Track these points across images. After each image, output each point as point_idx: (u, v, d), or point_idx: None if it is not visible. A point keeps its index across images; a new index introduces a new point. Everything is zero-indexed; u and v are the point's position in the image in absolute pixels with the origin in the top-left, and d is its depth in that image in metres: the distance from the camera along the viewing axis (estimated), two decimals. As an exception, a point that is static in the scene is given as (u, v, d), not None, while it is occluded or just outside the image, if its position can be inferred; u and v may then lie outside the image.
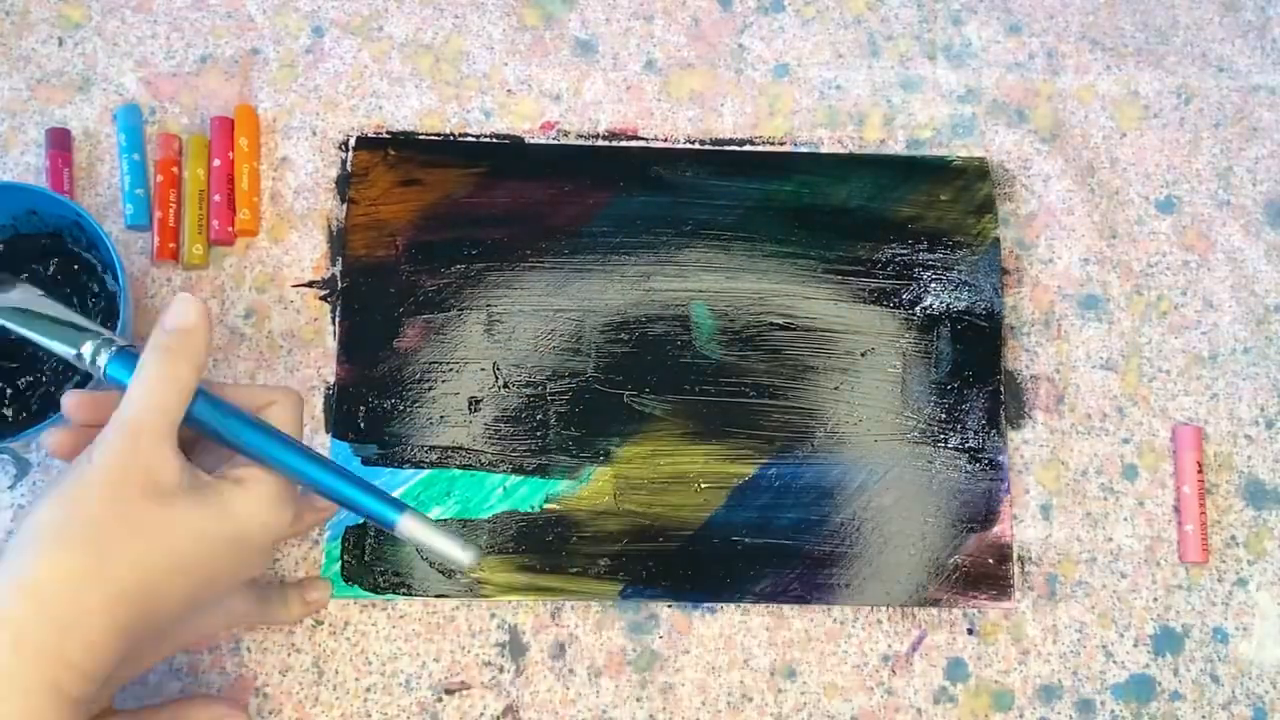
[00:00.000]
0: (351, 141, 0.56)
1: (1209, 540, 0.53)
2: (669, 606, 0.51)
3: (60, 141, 0.54)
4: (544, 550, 0.51)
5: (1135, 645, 0.52)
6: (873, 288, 0.55)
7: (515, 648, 0.51)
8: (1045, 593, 0.52)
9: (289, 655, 0.50)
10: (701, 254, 0.55)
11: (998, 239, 0.56)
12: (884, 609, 0.52)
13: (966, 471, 0.53)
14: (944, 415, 0.54)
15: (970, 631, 0.52)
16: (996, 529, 0.53)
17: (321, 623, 0.50)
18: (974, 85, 0.59)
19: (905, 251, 0.56)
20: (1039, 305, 0.56)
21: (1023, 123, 0.58)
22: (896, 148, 0.57)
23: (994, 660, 0.51)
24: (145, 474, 0.37)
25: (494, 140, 0.57)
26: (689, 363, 0.54)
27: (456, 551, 0.41)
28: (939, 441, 0.53)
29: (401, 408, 0.53)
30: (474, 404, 0.53)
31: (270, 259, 0.54)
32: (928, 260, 0.56)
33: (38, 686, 0.35)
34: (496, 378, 0.53)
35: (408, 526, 0.41)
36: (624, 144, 0.57)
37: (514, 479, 0.52)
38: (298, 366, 0.53)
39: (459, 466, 0.52)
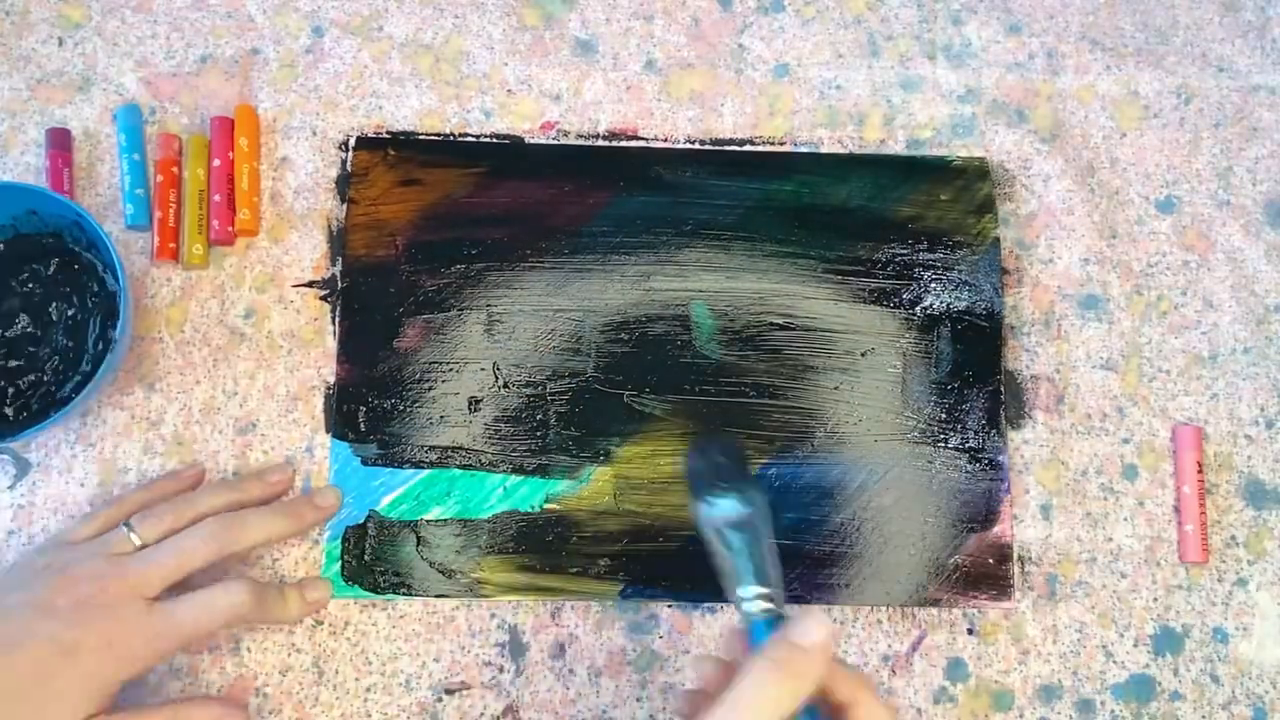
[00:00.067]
0: (351, 141, 0.56)
1: (1209, 540, 0.53)
2: (669, 606, 0.51)
3: (60, 141, 0.54)
4: (544, 550, 0.51)
5: (1135, 645, 0.52)
6: (873, 288, 0.55)
7: (515, 648, 0.51)
8: (1045, 593, 0.52)
9: (289, 655, 0.50)
10: (701, 254, 0.55)
11: (998, 239, 0.56)
12: (884, 609, 0.52)
13: (966, 471, 0.53)
14: (944, 415, 0.54)
15: (970, 631, 0.52)
16: (996, 529, 0.53)
17: (321, 623, 0.50)
18: (974, 85, 0.59)
19: (905, 251, 0.56)
20: (1039, 305, 0.56)
21: (1023, 123, 0.58)
22: (896, 148, 0.57)
23: (994, 660, 0.51)
24: None
25: (494, 140, 0.57)
26: (689, 363, 0.54)
27: None
28: (939, 441, 0.53)
29: (401, 408, 0.53)
30: (474, 404, 0.53)
31: (270, 259, 0.54)
32: (928, 260, 0.56)
33: None
34: (496, 378, 0.53)
35: None
36: (624, 144, 0.57)
37: (514, 479, 0.52)
38: (298, 366, 0.53)
39: (459, 466, 0.52)
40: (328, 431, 0.52)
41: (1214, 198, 0.58)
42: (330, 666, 0.50)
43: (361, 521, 0.51)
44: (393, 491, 0.52)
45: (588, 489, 0.52)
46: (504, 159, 0.56)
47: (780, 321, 0.55)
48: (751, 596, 0.39)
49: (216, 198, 0.54)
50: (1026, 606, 0.52)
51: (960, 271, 0.56)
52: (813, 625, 0.38)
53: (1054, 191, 0.57)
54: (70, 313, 0.51)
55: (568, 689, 0.50)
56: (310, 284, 0.54)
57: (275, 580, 0.51)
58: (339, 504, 0.51)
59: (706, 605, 0.51)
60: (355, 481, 0.52)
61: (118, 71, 0.56)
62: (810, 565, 0.52)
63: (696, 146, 0.57)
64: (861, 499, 0.53)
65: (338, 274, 0.54)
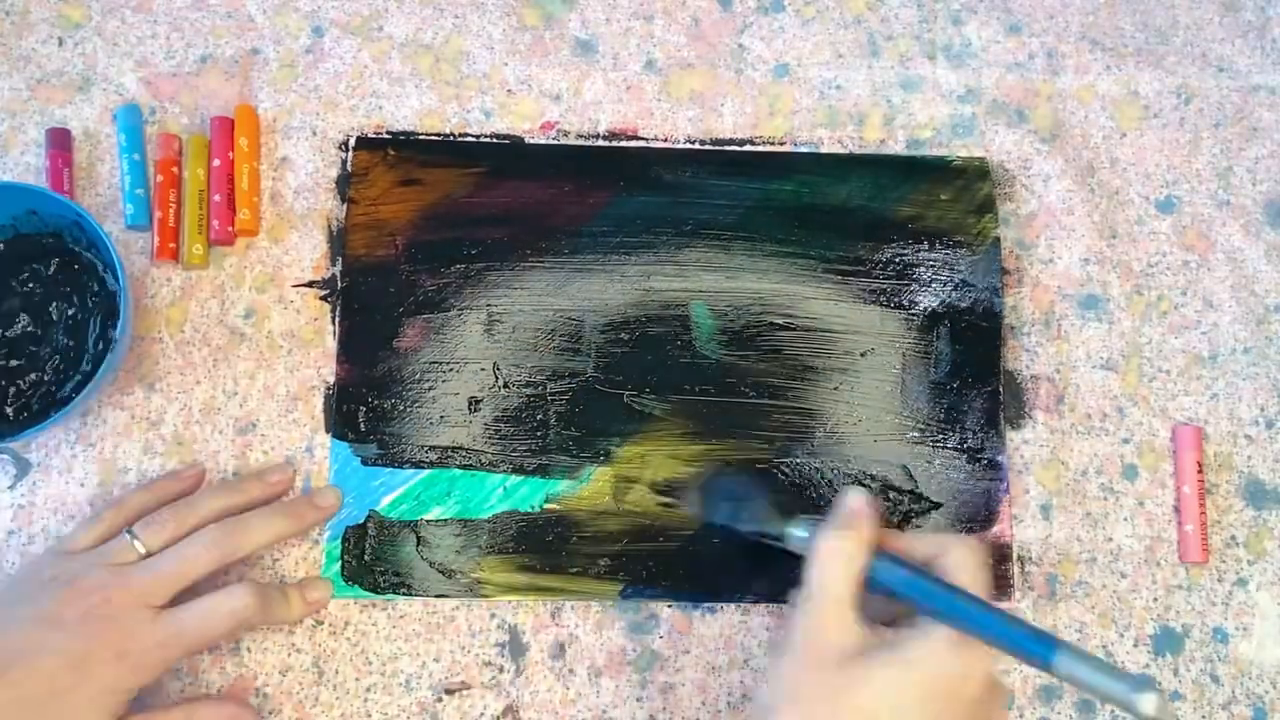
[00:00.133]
0: (351, 141, 0.56)
1: (1209, 540, 0.53)
2: (669, 606, 0.51)
3: (60, 141, 0.54)
4: (544, 550, 0.51)
5: (1135, 645, 0.52)
6: (873, 288, 0.55)
7: (515, 648, 0.51)
8: (1045, 593, 0.52)
9: (289, 655, 0.50)
10: (701, 254, 0.55)
11: (998, 239, 0.56)
12: (884, 609, 0.52)
13: (966, 471, 0.53)
14: (943, 415, 0.54)
15: (970, 631, 0.52)
16: (996, 529, 0.53)
17: (321, 623, 0.50)
18: (974, 85, 0.59)
19: (905, 251, 0.56)
20: (1039, 305, 0.56)
21: (1023, 123, 0.58)
22: (896, 148, 0.57)
23: (994, 660, 0.51)
24: (829, 643, 0.41)
25: (494, 140, 0.57)
26: (689, 363, 0.54)
27: (1127, 694, 0.37)
28: (938, 441, 0.53)
29: (401, 408, 0.53)
30: (474, 404, 0.53)
31: (270, 259, 0.54)
32: (928, 260, 0.56)
33: None
34: (496, 378, 0.53)
35: (1066, 665, 0.39)
36: (624, 144, 0.57)
37: (514, 479, 0.52)
38: (298, 366, 0.53)
39: (459, 466, 0.52)
40: (328, 431, 0.52)
41: (1214, 198, 0.58)
42: (330, 666, 0.50)
43: (361, 521, 0.51)
44: (393, 491, 0.52)
45: (588, 489, 0.52)
46: (504, 159, 0.56)
47: (780, 321, 0.55)
48: (798, 525, 0.46)
49: (216, 198, 0.54)
50: (1026, 606, 0.52)
51: (960, 271, 0.56)
52: (849, 493, 0.45)
53: (1054, 191, 0.57)
54: (70, 312, 0.51)
55: (568, 689, 0.50)
56: (310, 284, 0.54)
57: (276, 581, 0.51)
58: (339, 504, 0.51)
59: (706, 605, 0.51)
60: (355, 481, 0.52)
61: (118, 71, 0.56)
62: (810, 565, 0.52)
63: (696, 146, 0.57)
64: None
65: (338, 274, 0.54)
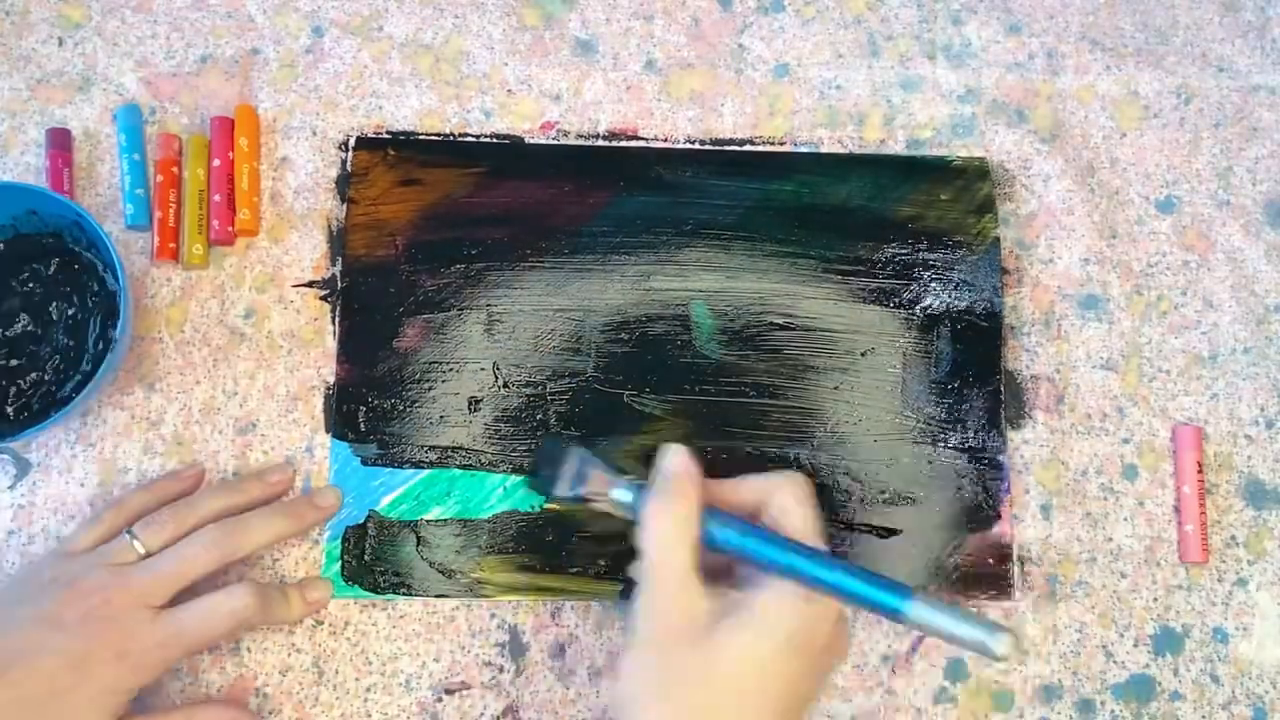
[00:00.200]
0: (351, 141, 0.56)
1: (1209, 540, 0.53)
2: (669, 606, 0.51)
3: (60, 141, 0.54)
4: (544, 550, 0.51)
5: (1135, 645, 0.52)
6: (873, 287, 0.55)
7: (515, 648, 0.51)
8: (1045, 593, 0.52)
9: (289, 655, 0.50)
10: (701, 254, 0.55)
11: (998, 239, 0.56)
12: (884, 609, 0.52)
13: (966, 471, 0.53)
14: (944, 415, 0.54)
15: (970, 631, 0.52)
16: (996, 529, 0.53)
17: (321, 623, 0.50)
18: (974, 85, 0.59)
19: (905, 251, 0.56)
20: (1039, 305, 0.56)
21: (1023, 123, 0.58)
22: (896, 148, 0.57)
23: (994, 660, 0.51)
24: (677, 620, 0.41)
25: (494, 140, 0.57)
26: (689, 363, 0.54)
27: (984, 637, 0.37)
28: (939, 441, 0.53)
29: (401, 408, 0.53)
30: (474, 404, 0.53)
31: (270, 259, 0.54)
32: (928, 260, 0.56)
33: None
34: (496, 378, 0.53)
35: (919, 613, 0.39)
36: (624, 144, 0.57)
37: (514, 479, 0.52)
38: (298, 366, 0.53)
39: (459, 466, 0.52)
40: (328, 431, 0.52)
41: (1214, 198, 0.58)
42: (330, 666, 0.50)
43: (361, 521, 0.51)
44: (393, 491, 0.52)
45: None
46: (504, 159, 0.56)
47: (780, 321, 0.55)
48: (621, 488, 0.45)
49: (216, 198, 0.54)
50: (1026, 606, 0.52)
51: (960, 271, 0.56)
52: (669, 453, 0.45)
53: (1054, 191, 0.57)
54: (70, 312, 0.51)
55: (568, 689, 0.50)
56: (310, 284, 0.54)
57: (276, 581, 0.51)
58: (339, 504, 0.51)
59: (706, 605, 0.51)
60: (355, 481, 0.52)
61: (118, 71, 0.56)
62: (810, 565, 0.52)
63: (696, 146, 0.57)
64: (861, 499, 0.53)
65: (338, 274, 0.54)
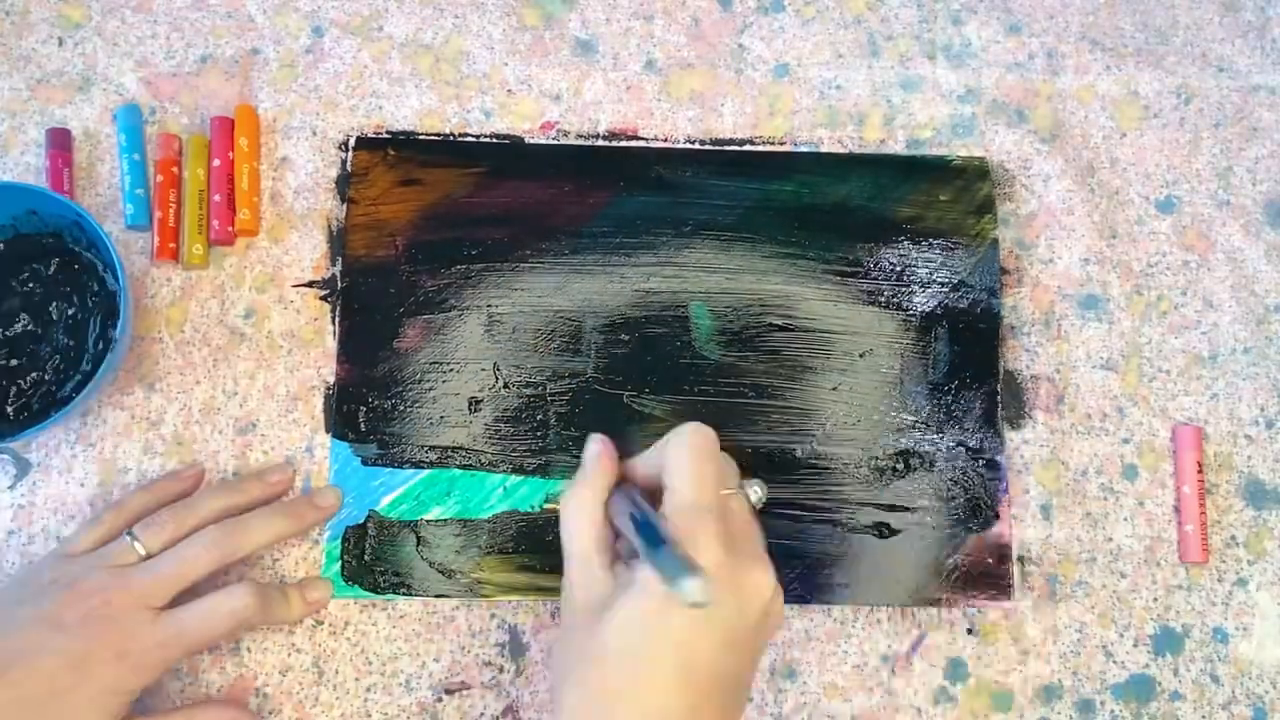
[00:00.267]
0: (351, 141, 0.56)
1: (1209, 540, 0.53)
2: (669, 606, 0.51)
3: (60, 141, 0.54)
4: (544, 550, 0.51)
5: (1135, 645, 0.52)
6: (871, 288, 0.55)
7: (515, 648, 0.51)
8: (1045, 593, 0.52)
9: (289, 655, 0.50)
10: (701, 254, 0.55)
11: (996, 239, 0.56)
12: (884, 609, 0.52)
13: (965, 472, 0.53)
14: (942, 416, 0.54)
15: (970, 631, 0.52)
16: (996, 529, 0.53)
17: (321, 623, 0.50)
18: (974, 85, 0.59)
19: (904, 252, 0.56)
20: (1039, 305, 0.56)
21: (1023, 123, 0.58)
22: (896, 148, 0.57)
23: (994, 660, 0.51)
24: (580, 601, 0.42)
25: (494, 140, 0.57)
26: (689, 363, 0.54)
27: (676, 582, 0.37)
28: (937, 442, 0.53)
29: (401, 408, 0.53)
30: (474, 404, 0.53)
31: (270, 259, 0.54)
32: (926, 261, 0.56)
33: None
34: (496, 378, 0.53)
35: (653, 559, 0.39)
36: (624, 144, 0.57)
37: (514, 479, 0.52)
38: (298, 366, 0.53)
39: (459, 466, 0.52)
40: (328, 431, 0.52)
41: (1214, 198, 0.58)
42: (330, 666, 0.50)
43: (361, 521, 0.51)
44: (393, 491, 0.52)
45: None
46: (504, 159, 0.56)
47: (779, 322, 0.55)
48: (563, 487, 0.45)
49: (216, 198, 0.54)
50: (1026, 606, 0.52)
51: (959, 272, 0.56)
52: (589, 441, 0.46)
53: (1054, 191, 0.57)
54: (70, 312, 0.51)
55: (568, 689, 0.50)
56: (310, 284, 0.54)
57: (276, 581, 0.51)
58: (339, 504, 0.51)
59: (706, 605, 0.51)
60: (355, 481, 0.52)
61: (118, 71, 0.56)
62: (810, 565, 0.52)
63: (696, 146, 0.57)
64: (860, 499, 0.53)
65: (338, 274, 0.54)
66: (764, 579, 0.41)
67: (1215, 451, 0.54)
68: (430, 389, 0.53)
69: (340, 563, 0.51)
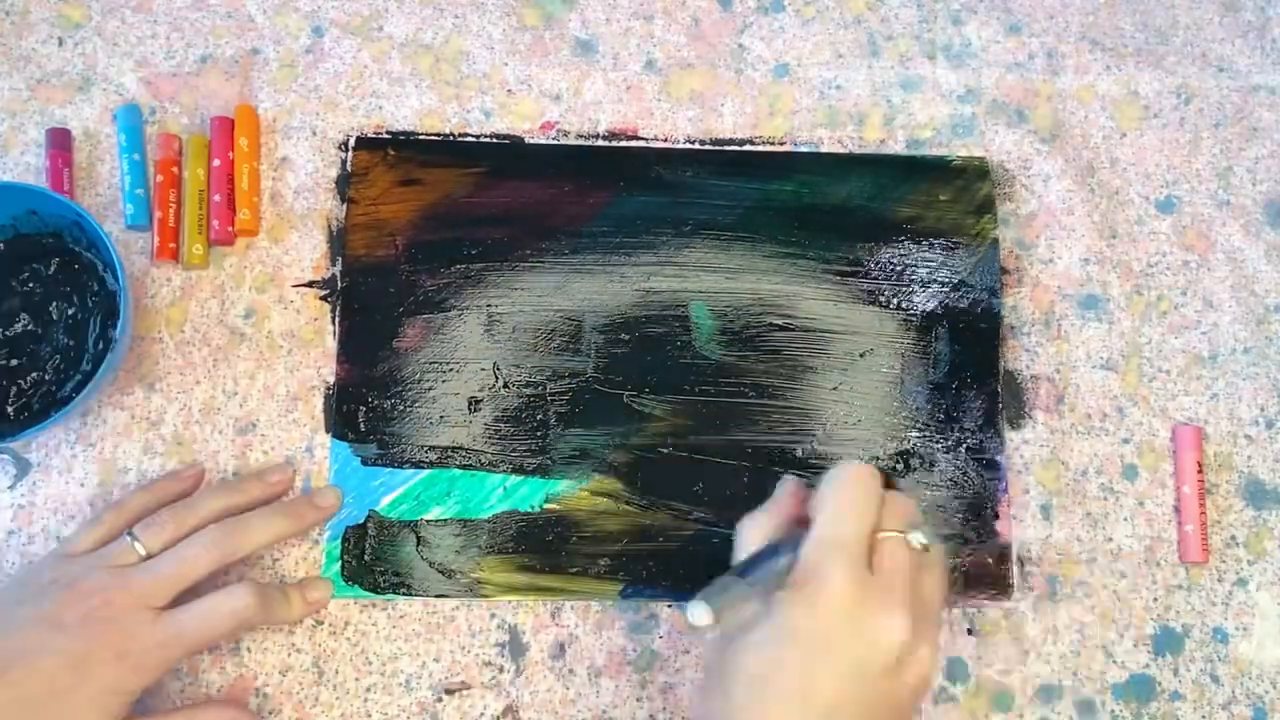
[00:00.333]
0: (351, 141, 0.56)
1: (1209, 540, 0.53)
2: (669, 606, 0.51)
3: (60, 141, 0.54)
4: (544, 550, 0.51)
5: (1135, 645, 0.52)
6: (871, 288, 0.55)
7: (515, 648, 0.51)
8: (1045, 593, 0.52)
9: (289, 655, 0.50)
10: (701, 254, 0.55)
11: (996, 239, 0.56)
12: (884, 609, 0.52)
13: (965, 472, 0.53)
14: (942, 416, 0.54)
15: (970, 631, 0.52)
16: (996, 529, 0.53)
17: (321, 623, 0.50)
18: (974, 85, 0.59)
19: (904, 252, 0.56)
20: (1039, 305, 0.56)
21: (1023, 123, 0.58)
22: (896, 148, 0.57)
23: (994, 660, 0.51)
24: (742, 614, 0.42)
25: (494, 140, 0.57)
26: (689, 363, 0.54)
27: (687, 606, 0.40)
28: (937, 442, 0.53)
29: (401, 408, 0.53)
30: (474, 404, 0.53)
31: (270, 259, 0.54)
32: (927, 261, 0.56)
33: None
34: (496, 378, 0.53)
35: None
36: (624, 144, 0.57)
37: (514, 479, 0.52)
38: (298, 366, 0.53)
39: (459, 466, 0.52)
40: (328, 431, 0.52)
41: (1214, 198, 0.58)
42: (330, 666, 0.50)
43: (361, 521, 0.51)
44: (393, 491, 0.52)
45: (588, 489, 0.52)
46: (504, 159, 0.56)
47: (779, 322, 0.55)
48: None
49: (216, 198, 0.54)
50: (1026, 606, 0.52)
51: (959, 272, 0.56)
52: (781, 481, 0.47)
53: (1054, 191, 0.57)
54: (70, 312, 0.51)
55: (568, 689, 0.50)
56: (310, 284, 0.54)
57: (276, 581, 0.51)
58: (339, 504, 0.51)
59: (706, 605, 0.51)
60: (355, 481, 0.52)
61: (118, 71, 0.56)
62: (810, 565, 0.52)
63: (696, 146, 0.57)
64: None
65: (338, 274, 0.54)
66: (895, 624, 0.41)
67: (1215, 451, 0.54)
68: (430, 389, 0.53)
69: (340, 563, 0.51)
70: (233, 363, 0.53)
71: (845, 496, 0.43)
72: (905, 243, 0.56)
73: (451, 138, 0.56)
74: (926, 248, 0.56)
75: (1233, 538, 0.53)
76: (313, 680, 0.50)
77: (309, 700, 0.50)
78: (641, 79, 0.58)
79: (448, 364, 0.53)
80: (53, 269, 0.52)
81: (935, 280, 0.55)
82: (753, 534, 0.45)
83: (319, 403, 0.53)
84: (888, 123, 0.58)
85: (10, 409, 0.50)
